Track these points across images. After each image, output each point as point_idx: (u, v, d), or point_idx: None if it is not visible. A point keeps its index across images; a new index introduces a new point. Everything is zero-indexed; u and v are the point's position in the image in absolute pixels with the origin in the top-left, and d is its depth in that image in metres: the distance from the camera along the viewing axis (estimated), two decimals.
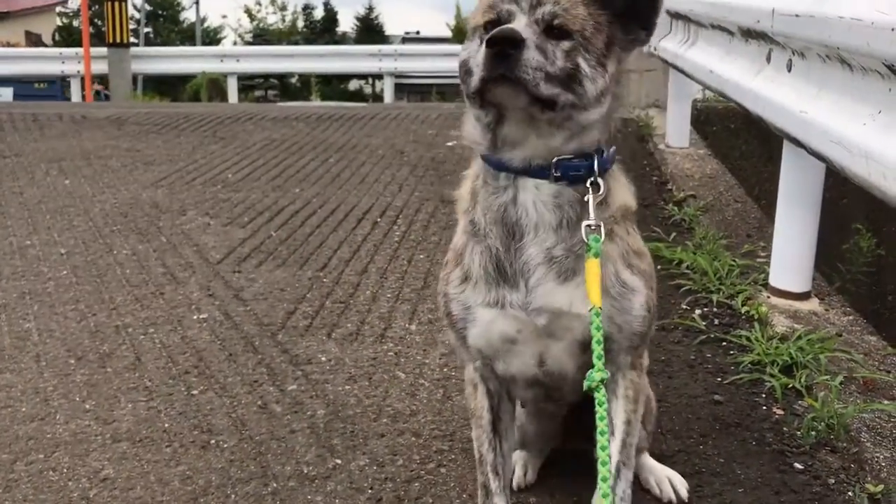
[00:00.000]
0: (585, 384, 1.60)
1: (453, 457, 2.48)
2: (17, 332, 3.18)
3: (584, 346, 1.71)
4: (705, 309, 3.67)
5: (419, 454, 2.49)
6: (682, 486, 2.34)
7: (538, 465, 2.40)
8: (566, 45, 1.61)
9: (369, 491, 2.31)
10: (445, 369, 3.01)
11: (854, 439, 2.61)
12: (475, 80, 1.58)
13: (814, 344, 3.18)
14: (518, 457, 2.37)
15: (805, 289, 3.75)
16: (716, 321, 3.56)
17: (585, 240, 1.68)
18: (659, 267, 4.09)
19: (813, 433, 2.66)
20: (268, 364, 3.00)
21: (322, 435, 2.57)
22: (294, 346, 3.14)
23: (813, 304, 3.72)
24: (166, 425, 2.61)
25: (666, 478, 2.36)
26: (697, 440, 2.65)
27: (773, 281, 3.80)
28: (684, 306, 3.70)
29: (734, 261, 4.04)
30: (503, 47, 1.52)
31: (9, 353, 3.03)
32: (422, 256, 4.20)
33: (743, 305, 3.65)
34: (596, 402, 1.58)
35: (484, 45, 1.54)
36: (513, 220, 1.74)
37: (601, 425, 1.56)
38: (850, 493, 2.38)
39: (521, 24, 1.60)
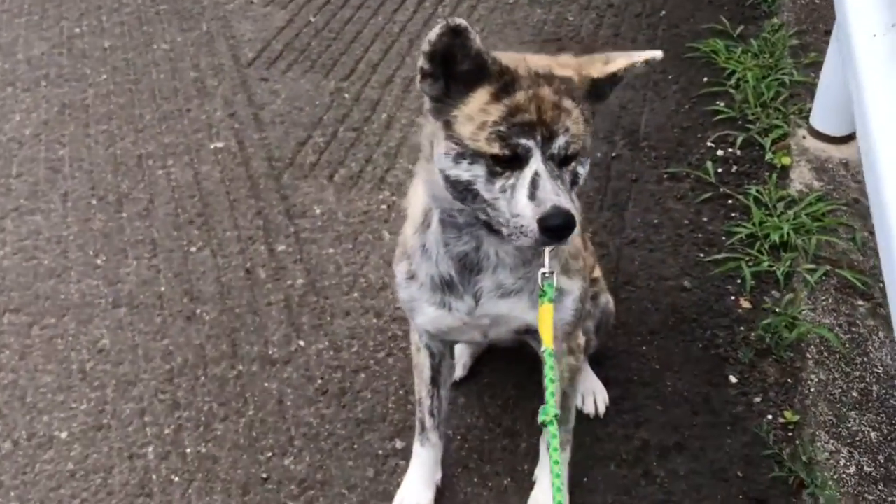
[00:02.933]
0: (540, 418, 1.70)
1: (404, 345, 2.71)
2: (51, 162, 3.47)
3: (525, 331, 1.95)
4: (728, 150, 3.52)
5: (374, 339, 2.74)
6: (603, 401, 2.52)
7: (469, 363, 2.61)
8: (573, 164, 1.65)
9: (319, 381, 2.62)
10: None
11: (801, 352, 2.65)
12: (526, 241, 1.59)
13: (815, 219, 3.07)
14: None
15: (846, 132, 3.49)
16: (733, 168, 3.43)
17: (541, 285, 1.77)
18: (705, 79, 3.88)
19: (763, 340, 2.71)
20: (266, 215, 3.21)
21: (294, 310, 2.84)
22: (294, 193, 3.31)
23: (850, 151, 3.49)
24: (162, 289, 2.93)
25: (591, 391, 2.54)
26: (645, 339, 2.76)
27: (814, 120, 3.55)
28: (709, 144, 3.55)
29: (789, 77, 3.75)
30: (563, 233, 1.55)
31: (41, 188, 3.35)
32: None
33: (771, 147, 3.48)
34: (549, 434, 1.68)
35: (538, 227, 1.55)
36: (472, 262, 1.85)
37: (554, 455, 1.65)
38: (767, 418, 2.50)
39: (537, 161, 1.58)
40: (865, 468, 2.34)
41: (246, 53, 4.12)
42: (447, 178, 1.63)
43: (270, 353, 2.71)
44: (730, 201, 3.27)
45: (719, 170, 3.40)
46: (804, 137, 3.55)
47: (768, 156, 3.45)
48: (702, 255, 3.05)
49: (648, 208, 3.26)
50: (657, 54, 1.71)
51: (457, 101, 1.60)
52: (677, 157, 3.50)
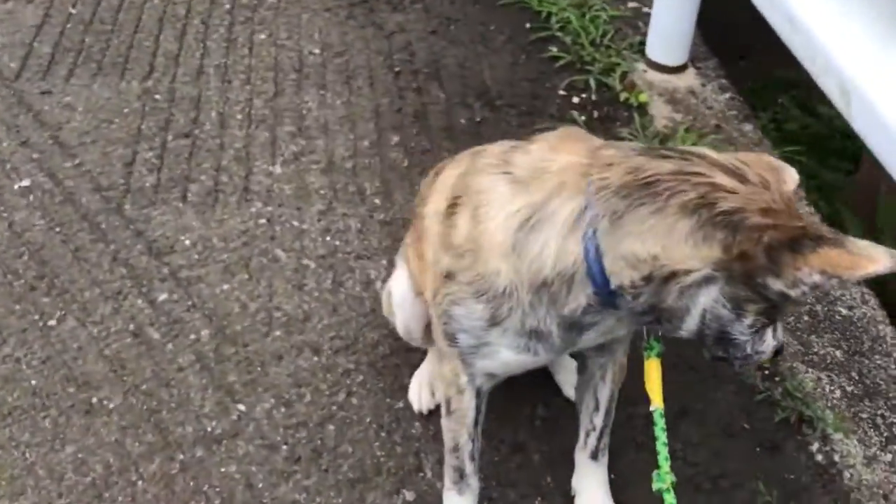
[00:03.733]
0: (655, 486, 1.58)
1: (361, 378, 2.37)
2: None
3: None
4: (583, 96, 3.46)
5: (325, 381, 2.36)
6: None
7: None
8: None
9: (284, 448, 2.21)
10: (328, 237, 2.76)
11: None
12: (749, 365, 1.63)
13: (693, 144, 3.10)
14: (426, 383, 2.31)
15: (682, 61, 3.57)
16: (595, 114, 3.38)
17: (646, 340, 1.63)
18: (528, 25, 3.78)
19: None
20: (125, 260, 2.63)
21: (214, 370, 2.36)
22: (148, 225, 2.74)
23: (689, 78, 3.58)
24: (33, 382, 2.31)
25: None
26: None
27: (650, 53, 3.59)
28: (562, 92, 3.46)
29: (605, 13, 3.76)
30: None
31: None
32: (262, 37, 3.62)
33: (621, 88, 3.47)
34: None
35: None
36: (585, 324, 1.60)
37: None
38: None
39: None
40: (846, 388, 2.43)
41: (7, 64, 3.35)
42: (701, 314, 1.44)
43: (209, 429, 2.23)
44: None
45: (583, 118, 3.33)
46: (644, 72, 3.58)
47: (623, 96, 3.44)
48: None
49: None
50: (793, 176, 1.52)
51: None
52: (538, 111, 3.38)
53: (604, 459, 2.07)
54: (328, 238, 2.76)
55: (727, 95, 3.52)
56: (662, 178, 1.39)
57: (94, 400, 2.28)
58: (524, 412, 2.31)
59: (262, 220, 2.80)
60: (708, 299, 1.41)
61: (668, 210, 1.38)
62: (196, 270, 2.62)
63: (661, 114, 3.38)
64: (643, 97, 3.42)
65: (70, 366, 2.35)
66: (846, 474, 2.23)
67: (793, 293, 1.37)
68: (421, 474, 2.17)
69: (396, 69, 3.52)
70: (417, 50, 3.64)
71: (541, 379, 2.30)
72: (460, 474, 1.94)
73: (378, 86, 3.42)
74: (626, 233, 1.41)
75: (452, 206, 1.69)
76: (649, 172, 1.41)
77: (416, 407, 2.28)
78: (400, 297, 2.15)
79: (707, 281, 1.39)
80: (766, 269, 1.35)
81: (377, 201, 2.92)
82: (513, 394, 2.29)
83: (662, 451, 1.59)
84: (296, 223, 2.80)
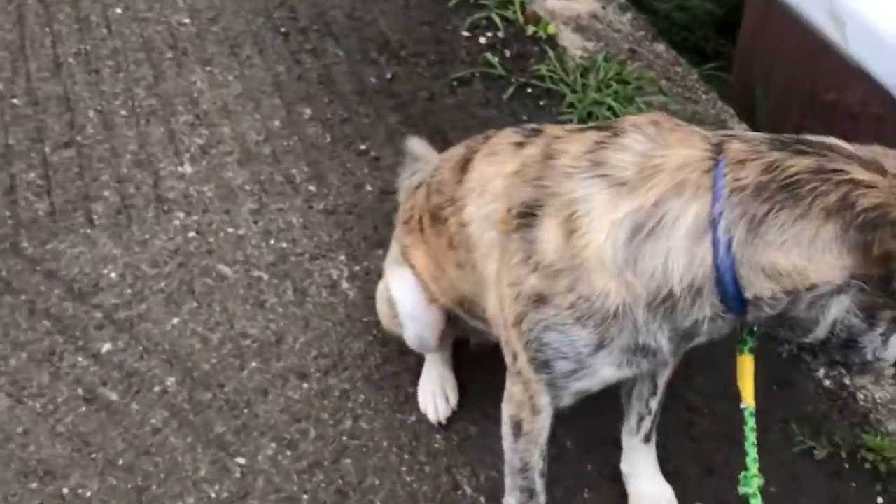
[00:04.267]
0: (742, 490, 1.46)
1: (362, 397, 2.14)
2: None
3: None
4: (489, 35, 3.24)
5: (324, 409, 2.11)
6: None
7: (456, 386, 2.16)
8: None
9: (305, 497, 1.96)
10: (271, 240, 2.45)
11: None
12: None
13: (621, 83, 2.99)
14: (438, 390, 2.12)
15: None
16: (507, 53, 3.18)
17: (740, 335, 1.49)
18: None
19: None
20: (45, 310, 2.22)
21: (195, 423, 2.05)
22: (59, 262, 2.32)
23: (589, 2, 3.43)
24: None
25: None
26: None
27: None
28: (465, 34, 3.23)
29: None
30: None
31: None
32: (119, 11, 3.12)
33: (525, 21, 3.27)
34: None
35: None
36: (694, 332, 1.43)
37: None
38: None
39: None
40: None
41: None
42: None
43: (213, 495, 1.94)
44: (530, 90, 3.05)
45: (497, 59, 3.13)
46: (544, 0, 3.41)
47: (530, 29, 3.25)
48: None
49: (461, 122, 2.89)
50: None
51: None
52: (448, 58, 3.14)
53: (653, 441, 1.97)
54: (272, 241, 2.45)
55: (629, 16, 3.41)
56: (804, 177, 1.24)
57: (66, 490, 1.92)
58: None
59: (191, 233, 2.44)
60: (840, 310, 1.29)
61: (811, 215, 1.23)
62: (134, 308, 2.25)
63: (573, 44, 3.23)
64: (551, 29, 3.25)
65: (21, 455, 1.96)
66: (859, 396, 2.25)
67: None
68: (460, 492, 1.99)
69: (282, 30, 3.15)
70: (297, 4, 3.27)
71: None
72: (530, 494, 1.78)
73: (268, 52, 3.04)
74: (766, 242, 1.26)
75: (525, 216, 1.47)
76: (791, 171, 1.25)
77: (432, 418, 2.09)
78: (411, 306, 1.93)
79: (840, 290, 1.27)
80: None
81: (311, 188, 2.61)
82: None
83: (751, 453, 1.48)
84: (230, 229, 2.47)
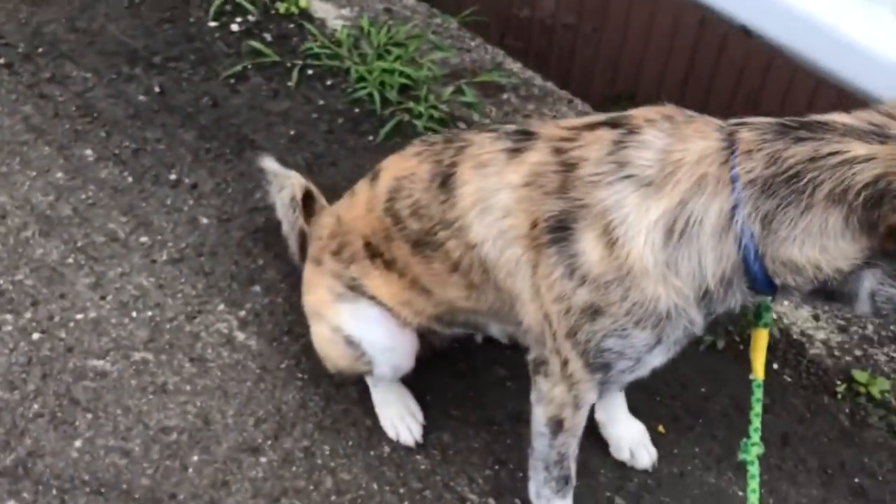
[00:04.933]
0: (741, 456, 1.55)
1: (327, 448, 1.97)
2: None
3: None
4: (239, 20, 2.98)
5: (296, 476, 1.91)
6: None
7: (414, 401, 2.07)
8: None
9: None
10: (133, 312, 2.09)
11: None
12: None
13: (397, 45, 2.94)
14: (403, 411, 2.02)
15: None
16: (268, 36, 2.96)
17: (755, 308, 1.54)
18: None
19: None
20: None
21: None
22: None
23: None
24: None
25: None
26: None
27: None
28: (213, 24, 2.94)
29: None
30: None
31: None
32: None
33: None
34: (748, 476, 1.54)
35: None
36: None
37: (752, 498, 1.54)
38: None
39: None
40: None
41: None
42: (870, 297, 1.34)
43: None
44: (310, 71, 2.87)
45: (261, 46, 2.88)
46: None
47: (282, 7, 3.03)
48: (369, 137, 2.71)
49: (261, 121, 2.66)
50: None
51: None
52: (210, 55, 2.84)
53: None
54: (134, 314, 2.10)
55: None
56: (802, 167, 1.26)
57: None
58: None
59: (35, 335, 2.01)
60: (873, 282, 1.32)
61: (815, 207, 1.26)
62: (18, 447, 1.82)
63: (329, 14, 3.08)
64: (302, 2, 3.06)
65: None
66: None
67: None
68: (468, 502, 1.94)
69: (1, 61, 2.61)
70: (3, 28, 2.73)
71: None
72: (565, 480, 1.79)
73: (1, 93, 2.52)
74: (780, 238, 1.30)
75: (557, 230, 1.42)
76: (789, 163, 1.27)
77: (409, 441, 1.99)
78: (384, 339, 1.80)
79: (867, 266, 1.29)
80: None
81: (142, 239, 2.27)
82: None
83: (755, 422, 1.55)
84: (78, 315, 2.07)
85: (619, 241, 1.37)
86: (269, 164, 2.14)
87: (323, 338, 1.88)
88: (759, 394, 1.53)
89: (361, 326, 1.81)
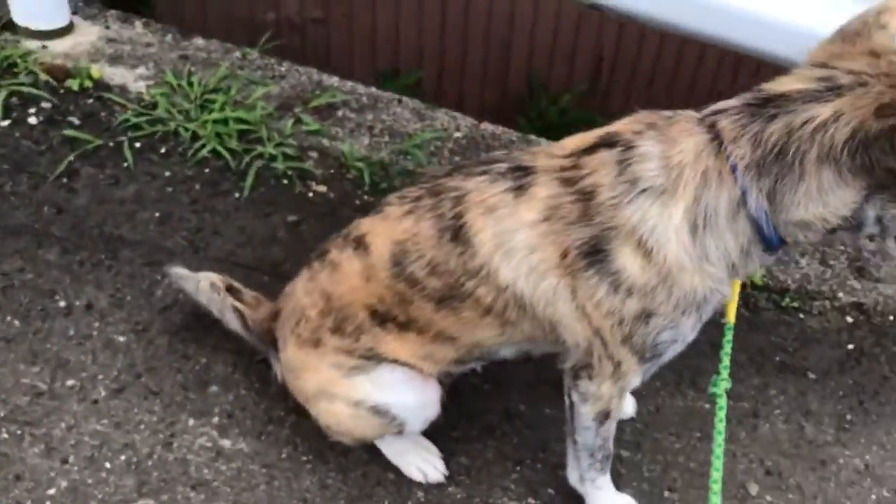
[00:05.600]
0: (711, 390, 1.72)
1: None
2: None
3: None
4: (32, 111, 2.70)
5: None
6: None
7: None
8: None
9: None
10: (102, 473, 1.91)
11: None
12: None
13: (217, 91, 2.81)
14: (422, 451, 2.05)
15: (65, 22, 2.94)
16: (75, 119, 2.70)
17: None
18: None
19: None
20: None
21: None
22: None
23: (89, 31, 2.99)
24: None
25: None
26: None
27: (19, 18, 2.88)
28: (4, 123, 2.63)
29: None
30: None
31: None
32: None
33: (57, 79, 2.78)
34: (717, 407, 1.71)
35: None
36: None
37: (720, 427, 1.69)
38: None
39: None
40: None
41: None
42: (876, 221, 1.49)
43: None
44: (138, 144, 2.66)
45: (69, 133, 2.62)
46: (44, 47, 2.88)
47: (73, 84, 2.76)
48: (235, 195, 2.59)
49: (120, 214, 2.46)
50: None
51: None
52: (24, 164, 2.55)
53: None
54: (108, 465, 1.91)
55: (137, 23, 3.08)
56: (783, 142, 1.43)
57: None
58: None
59: None
60: (876, 209, 1.47)
61: (807, 173, 1.43)
62: None
63: (128, 79, 2.83)
64: (95, 72, 2.80)
65: None
66: None
67: None
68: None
69: None
70: None
71: None
72: (608, 457, 1.93)
73: None
74: (785, 206, 1.47)
75: (592, 254, 1.53)
76: (772, 140, 1.44)
77: (438, 478, 2.02)
78: (416, 398, 1.83)
79: (867, 200, 1.45)
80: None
81: (68, 383, 2.05)
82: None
83: (724, 361, 1.71)
84: (50, 491, 1.85)
85: (654, 249, 1.52)
86: (177, 271, 2.11)
87: (342, 415, 1.85)
88: (729, 336, 1.72)
89: (387, 392, 1.80)
